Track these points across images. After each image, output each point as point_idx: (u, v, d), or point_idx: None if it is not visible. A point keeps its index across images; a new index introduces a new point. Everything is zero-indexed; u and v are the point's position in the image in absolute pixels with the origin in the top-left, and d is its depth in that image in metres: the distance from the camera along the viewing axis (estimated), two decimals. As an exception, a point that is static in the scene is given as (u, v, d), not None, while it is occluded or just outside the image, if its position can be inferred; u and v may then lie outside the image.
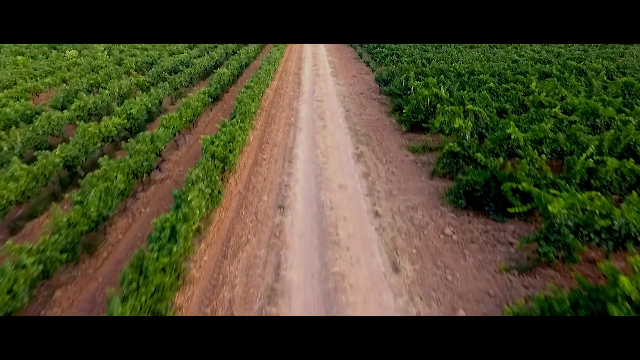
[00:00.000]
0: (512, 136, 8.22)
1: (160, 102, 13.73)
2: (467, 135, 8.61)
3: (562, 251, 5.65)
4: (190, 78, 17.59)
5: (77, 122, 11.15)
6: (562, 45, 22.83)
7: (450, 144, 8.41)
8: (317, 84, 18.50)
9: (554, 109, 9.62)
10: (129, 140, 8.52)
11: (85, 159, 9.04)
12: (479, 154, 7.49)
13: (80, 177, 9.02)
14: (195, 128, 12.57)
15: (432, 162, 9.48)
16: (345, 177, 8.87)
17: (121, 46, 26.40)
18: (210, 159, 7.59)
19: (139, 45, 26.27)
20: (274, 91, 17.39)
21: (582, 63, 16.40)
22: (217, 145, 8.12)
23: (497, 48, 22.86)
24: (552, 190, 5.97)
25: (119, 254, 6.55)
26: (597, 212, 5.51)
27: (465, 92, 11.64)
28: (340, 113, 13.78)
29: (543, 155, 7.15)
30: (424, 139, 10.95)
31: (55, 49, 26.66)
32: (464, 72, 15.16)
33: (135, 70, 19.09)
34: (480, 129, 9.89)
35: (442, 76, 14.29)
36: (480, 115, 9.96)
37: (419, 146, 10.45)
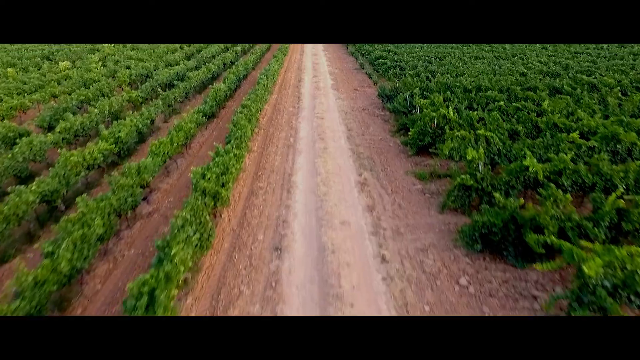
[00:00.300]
0: (530, 168, 7.56)
1: (152, 122, 13.07)
2: (479, 166, 7.94)
3: (598, 314, 4.96)
4: (186, 93, 16.93)
5: (62, 146, 10.50)
6: (570, 56, 22.19)
7: (462, 176, 7.72)
8: (318, 98, 17.83)
9: (571, 134, 8.94)
10: (112, 173, 7.84)
11: (67, 192, 8.35)
12: (497, 194, 6.79)
13: (61, 211, 8.38)
14: (188, 150, 11.89)
15: (442, 192, 8.80)
16: (348, 211, 8.17)
17: (116, 56, 25.77)
18: (200, 197, 6.91)
19: (134, 56, 25.64)
20: (272, 107, 16.72)
21: (593, 76, 15.73)
22: (209, 179, 7.44)
23: (502, 59, 22.21)
24: (584, 243, 5.30)
25: (96, 309, 5.85)
26: (638, 271, 4.83)
27: (475, 112, 10.97)
28: (342, 132, 13.10)
29: (568, 195, 6.46)
30: (431, 164, 10.26)
31: (48, 59, 26.05)
32: (470, 87, 14.50)
33: (129, 84, 18.43)
34: (492, 155, 9.22)
35: (448, 92, 13.62)
36: (492, 140, 9.27)
37: (426, 173, 9.75)
